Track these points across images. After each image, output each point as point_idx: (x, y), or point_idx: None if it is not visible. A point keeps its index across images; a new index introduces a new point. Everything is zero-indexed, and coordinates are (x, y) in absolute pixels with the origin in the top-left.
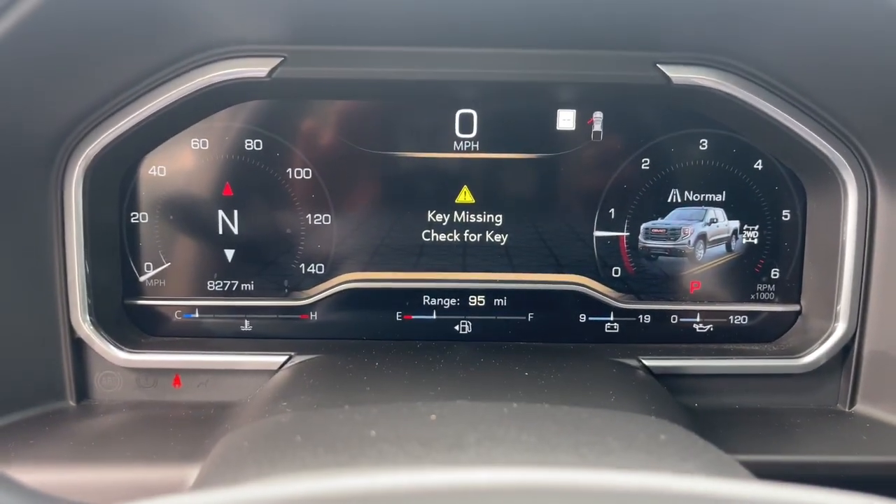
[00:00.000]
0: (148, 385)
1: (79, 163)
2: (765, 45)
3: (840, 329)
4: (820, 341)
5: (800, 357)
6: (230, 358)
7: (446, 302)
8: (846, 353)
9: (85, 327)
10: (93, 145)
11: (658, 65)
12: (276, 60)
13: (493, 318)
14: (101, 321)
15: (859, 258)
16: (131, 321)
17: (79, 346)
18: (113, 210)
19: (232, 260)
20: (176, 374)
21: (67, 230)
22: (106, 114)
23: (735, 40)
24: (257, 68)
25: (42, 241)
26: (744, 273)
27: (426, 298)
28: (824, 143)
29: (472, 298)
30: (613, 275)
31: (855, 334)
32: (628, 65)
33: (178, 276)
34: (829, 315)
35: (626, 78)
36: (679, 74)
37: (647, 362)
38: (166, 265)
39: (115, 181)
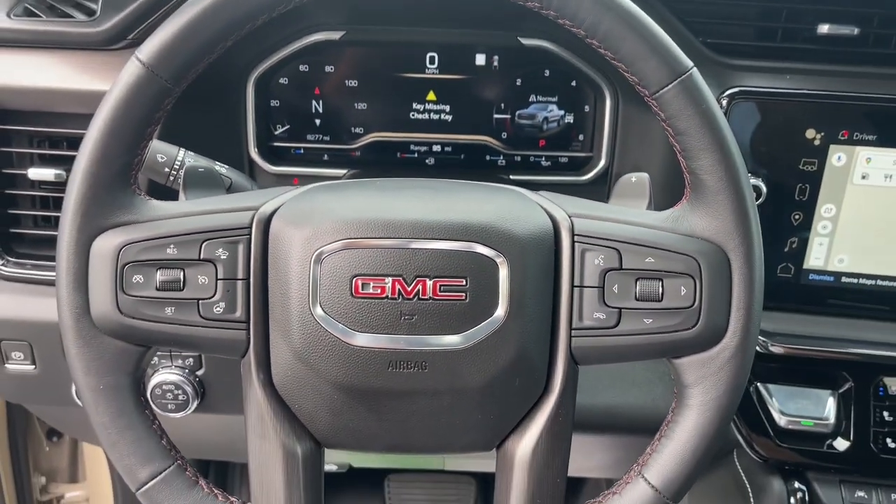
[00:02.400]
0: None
1: (250, 82)
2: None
3: (603, 161)
4: (597, 168)
5: (586, 174)
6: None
7: (421, 148)
8: (606, 173)
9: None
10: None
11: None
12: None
13: (444, 157)
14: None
15: (612, 132)
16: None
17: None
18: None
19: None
20: (294, 179)
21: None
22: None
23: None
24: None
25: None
26: (565, 137)
27: (411, 146)
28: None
29: (434, 147)
30: (503, 137)
31: (610, 164)
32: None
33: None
34: (600, 156)
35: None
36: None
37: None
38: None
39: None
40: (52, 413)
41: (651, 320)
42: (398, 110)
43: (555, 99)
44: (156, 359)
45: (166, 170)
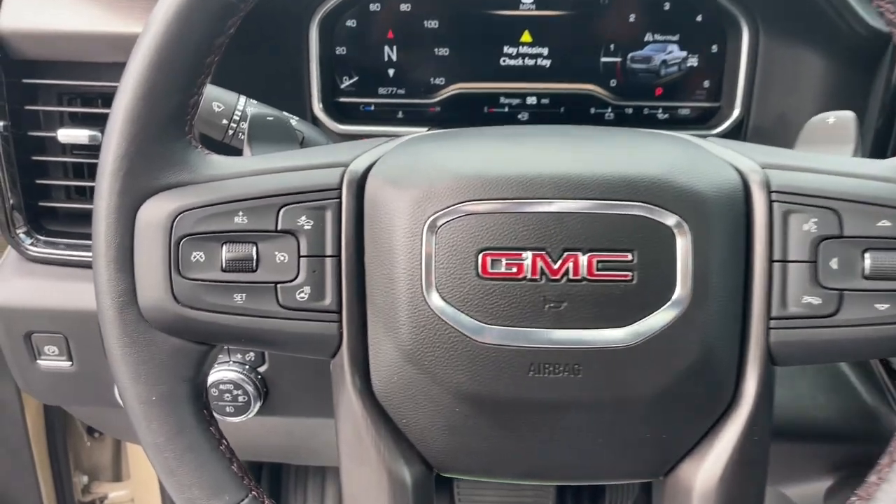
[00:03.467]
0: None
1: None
2: None
3: (736, 112)
4: (729, 121)
5: (713, 129)
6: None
7: (512, 101)
8: (740, 127)
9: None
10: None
11: None
12: None
13: (540, 111)
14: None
15: (750, 76)
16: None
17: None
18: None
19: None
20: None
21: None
22: None
23: None
24: None
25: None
26: (687, 84)
27: (501, 99)
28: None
29: (529, 99)
30: (611, 85)
31: (745, 116)
32: None
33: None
34: (732, 105)
35: None
36: None
37: None
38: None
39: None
40: (93, 413)
41: (887, 306)
42: (486, 56)
43: (675, 38)
44: None
45: (224, 122)
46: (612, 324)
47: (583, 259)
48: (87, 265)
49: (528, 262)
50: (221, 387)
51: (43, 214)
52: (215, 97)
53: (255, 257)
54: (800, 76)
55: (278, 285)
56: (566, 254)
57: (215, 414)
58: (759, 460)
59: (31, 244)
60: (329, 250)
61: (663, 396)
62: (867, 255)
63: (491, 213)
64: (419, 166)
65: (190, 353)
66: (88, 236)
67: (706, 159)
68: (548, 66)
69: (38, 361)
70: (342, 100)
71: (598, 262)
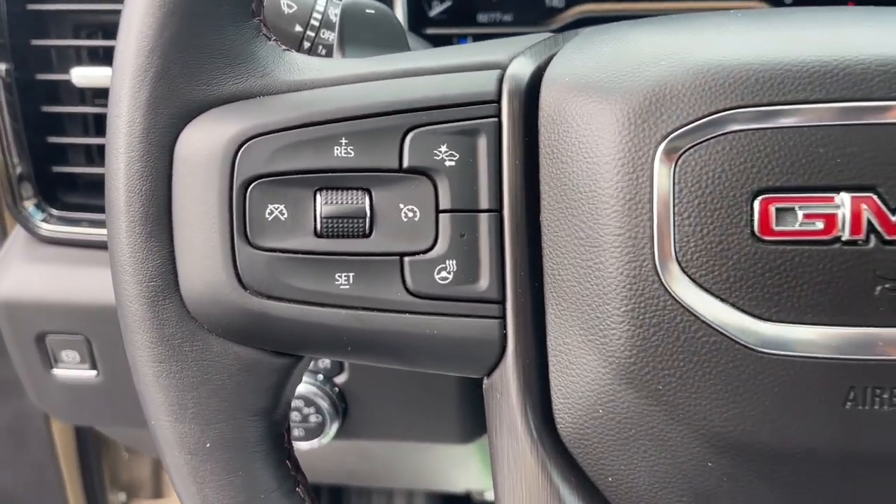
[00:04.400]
0: None
1: None
2: None
3: None
4: None
5: None
6: None
7: None
8: None
9: None
10: None
11: None
12: None
13: None
14: None
15: None
16: None
17: None
18: None
19: None
20: None
21: None
22: None
23: None
24: None
25: None
26: None
27: None
28: None
29: None
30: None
31: None
32: None
33: None
34: None
35: None
36: None
37: None
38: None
39: None
40: (128, 432)
41: None
42: None
43: None
44: None
45: (298, 29)
46: None
47: None
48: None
49: (844, 212)
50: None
51: (57, 183)
52: None
53: (368, 213)
54: None
55: (405, 258)
56: None
57: None
58: None
59: (43, 220)
60: (485, 202)
61: None
62: None
63: (774, 129)
64: (634, 59)
65: (265, 370)
66: None
67: None
68: None
69: (55, 370)
70: (431, 31)
71: None
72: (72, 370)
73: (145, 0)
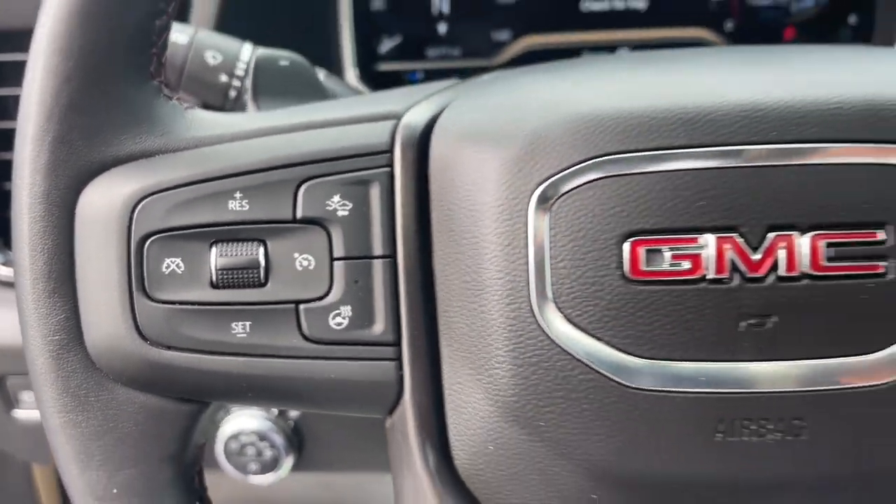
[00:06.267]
0: None
1: None
2: None
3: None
4: None
5: None
6: None
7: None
8: None
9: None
10: None
11: None
12: None
13: None
14: None
15: None
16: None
17: None
18: None
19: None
20: None
21: None
22: None
23: None
24: None
25: None
26: (827, 21)
27: (585, 54)
28: None
29: (620, 52)
30: (727, 29)
31: None
32: None
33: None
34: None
35: None
36: None
37: None
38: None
39: None
40: None
41: None
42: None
43: None
44: None
45: (223, 79)
46: (852, 350)
47: (802, 242)
48: None
49: (709, 252)
50: (242, 438)
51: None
52: (211, 45)
53: (262, 263)
54: None
55: (301, 306)
56: (773, 235)
57: (235, 472)
58: None
59: (3, 264)
60: (378, 248)
61: None
62: None
63: (641, 174)
64: (515, 109)
65: (171, 417)
66: None
67: None
68: (643, 8)
69: (16, 412)
70: (382, 67)
71: (829, 245)
72: (32, 410)
73: (45, 66)
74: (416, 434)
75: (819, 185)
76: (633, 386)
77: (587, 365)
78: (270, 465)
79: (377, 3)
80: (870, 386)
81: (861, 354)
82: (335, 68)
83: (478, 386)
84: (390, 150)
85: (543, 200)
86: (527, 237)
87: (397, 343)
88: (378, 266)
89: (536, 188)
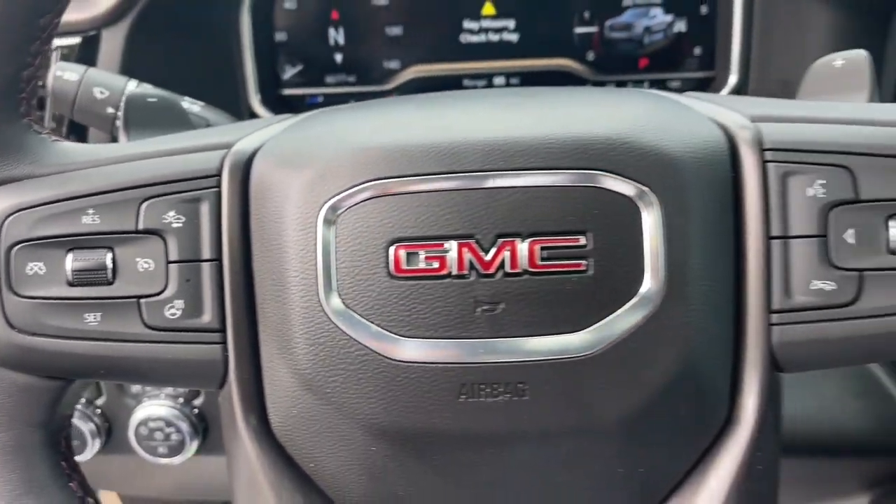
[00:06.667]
0: None
1: None
2: None
3: (733, 79)
4: (725, 90)
5: None
6: None
7: (478, 83)
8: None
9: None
10: None
11: None
12: None
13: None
14: None
15: (746, 37)
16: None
17: None
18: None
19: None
20: None
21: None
22: None
23: None
24: None
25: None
26: (675, 52)
27: (465, 81)
28: None
29: (496, 79)
30: (589, 59)
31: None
32: None
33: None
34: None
35: None
36: None
37: None
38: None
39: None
40: None
41: None
42: (444, 33)
43: (659, 0)
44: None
45: (110, 111)
46: (563, 328)
47: (522, 246)
48: None
49: (452, 254)
50: (151, 424)
51: None
52: (99, 82)
53: (110, 266)
54: (803, 31)
55: (142, 300)
56: (501, 241)
57: (146, 455)
58: (765, 494)
59: None
60: (206, 253)
61: (636, 420)
62: (893, 224)
63: (403, 194)
64: (315, 141)
65: (38, 391)
66: None
67: (682, 116)
68: (515, 40)
69: None
70: (286, 92)
71: (542, 249)
72: None
73: None
74: (239, 403)
75: (536, 202)
76: (396, 359)
77: (363, 344)
78: (177, 449)
79: (280, 34)
80: (580, 356)
81: (572, 332)
82: (243, 92)
83: (283, 362)
84: (218, 174)
85: (330, 214)
86: (316, 243)
87: (223, 329)
88: (206, 268)
89: (324, 204)
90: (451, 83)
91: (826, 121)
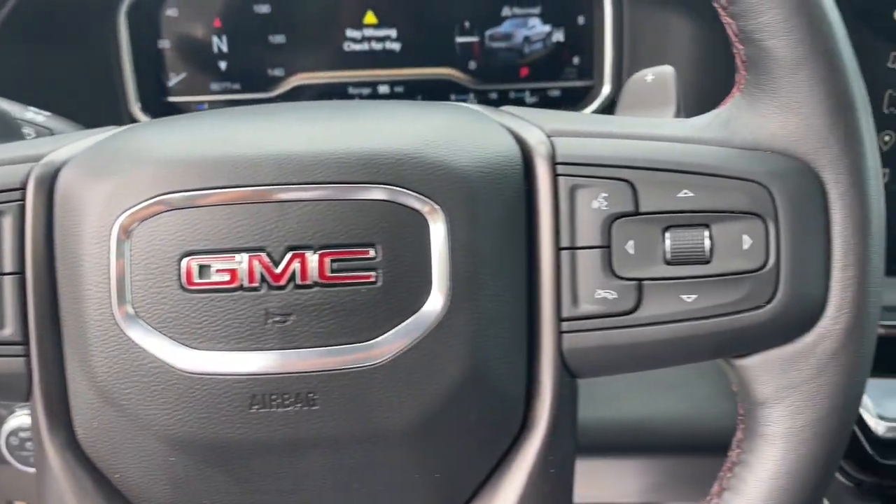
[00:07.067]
0: None
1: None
2: None
3: (606, 89)
4: (599, 99)
5: (586, 109)
6: None
7: (362, 91)
8: (612, 105)
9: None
10: None
11: None
12: None
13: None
14: None
15: (617, 48)
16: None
17: None
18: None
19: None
20: None
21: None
22: None
23: None
24: None
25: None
26: (554, 61)
27: (349, 88)
28: None
29: (380, 87)
30: (471, 68)
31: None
32: None
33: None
34: (603, 84)
35: None
36: None
37: None
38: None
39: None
40: None
41: (694, 296)
42: (327, 41)
43: (537, 10)
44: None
45: None
46: (352, 339)
47: (312, 258)
48: None
49: (243, 267)
50: (21, 434)
51: None
52: None
53: None
54: (669, 43)
55: None
56: (291, 253)
57: (18, 464)
58: (559, 495)
59: None
60: (7, 266)
61: (424, 427)
62: (668, 234)
63: (195, 207)
64: (117, 154)
65: None
66: None
67: (477, 130)
68: (398, 49)
69: None
70: (172, 99)
71: (332, 261)
72: None
73: None
74: (44, 416)
75: (326, 215)
76: (189, 370)
77: (156, 356)
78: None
79: (163, 42)
80: (371, 364)
81: (363, 341)
82: (122, 102)
83: (83, 375)
84: (23, 187)
85: (124, 228)
86: (109, 256)
87: (25, 342)
88: (7, 281)
89: (118, 218)
90: (336, 91)
91: (614, 136)
